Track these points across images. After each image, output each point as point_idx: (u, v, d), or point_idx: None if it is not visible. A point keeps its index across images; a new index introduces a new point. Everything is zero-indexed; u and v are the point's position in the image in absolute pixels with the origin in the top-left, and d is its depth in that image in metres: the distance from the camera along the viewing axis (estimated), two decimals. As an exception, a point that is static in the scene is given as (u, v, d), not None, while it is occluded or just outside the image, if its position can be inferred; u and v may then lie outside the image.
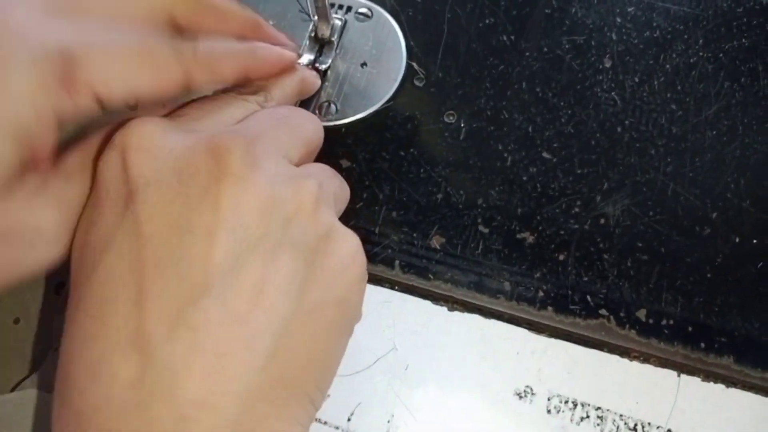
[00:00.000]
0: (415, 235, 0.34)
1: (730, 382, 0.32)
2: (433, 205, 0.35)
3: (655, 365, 0.32)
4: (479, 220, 0.35)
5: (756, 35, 0.40)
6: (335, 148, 0.36)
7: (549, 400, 0.31)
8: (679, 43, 0.39)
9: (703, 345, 0.32)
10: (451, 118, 0.37)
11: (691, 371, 0.32)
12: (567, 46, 0.39)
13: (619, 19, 0.40)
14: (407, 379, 0.31)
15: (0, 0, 0.23)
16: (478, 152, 0.36)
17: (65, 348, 0.23)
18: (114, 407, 0.21)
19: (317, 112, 0.37)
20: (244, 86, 0.30)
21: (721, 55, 0.39)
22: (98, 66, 0.23)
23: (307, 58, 0.38)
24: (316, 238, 0.24)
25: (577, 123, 0.37)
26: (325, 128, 0.31)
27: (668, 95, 0.38)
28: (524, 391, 0.31)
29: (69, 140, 0.25)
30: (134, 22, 0.25)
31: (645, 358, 0.32)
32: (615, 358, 0.32)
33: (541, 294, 0.33)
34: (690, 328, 0.32)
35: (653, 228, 0.34)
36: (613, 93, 0.38)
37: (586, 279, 0.33)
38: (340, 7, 0.40)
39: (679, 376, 0.32)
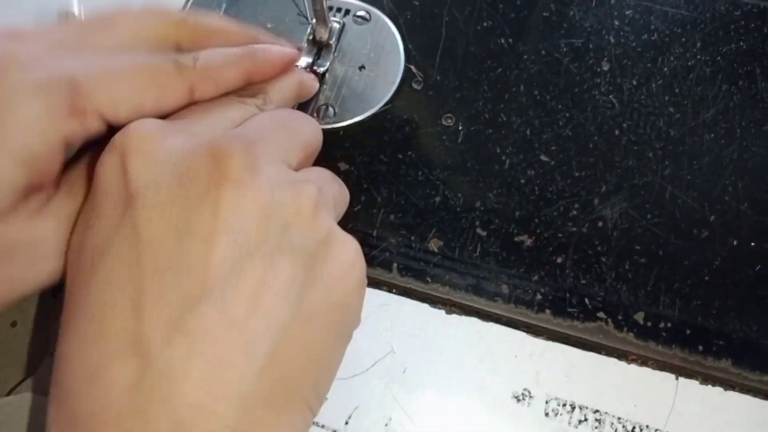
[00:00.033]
0: (413, 238, 0.34)
1: (729, 385, 0.32)
2: (431, 208, 0.35)
3: (653, 368, 0.32)
4: (477, 223, 0.35)
5: (753, 38, 0.40)
6: (333, 151, 0.36)
7: (547, 403, 0.31)
8: (676, 46, 0.39)
9: (701, 348, 0.32)
10: (449, 121, 0.37)
11: (689, 374, 0.32)
12: (565, 49, 0.39)
13: (617, 22, 0.40)
14: (405, 382, 0.31)
15: (12, 37, 0.25)
16: (475, 155, 0.36)
17: (62, 352, 0.22)
18: (112, 412, 0.21)
19: (315, 115, 0.37)
20: (242, 89, 0.30)
21: (718, 58, 0.39)
22: (104, 90, 0.24)
23: (305, 61, 0.38)
24: (315, 243, 0.24)
25: (575, 126, 0.37)
26: (323, 131, 0.31)
27: (666, 98, 0.38)
28: (522, 394, 0.31)
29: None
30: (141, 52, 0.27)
31: (643, 361, 0.32)
32: (613, 361, 0.32)
33: (539, 297, 0.33)
34: (688, 331, 0.32)
35: (651, 231, 0.34)
36: (611, 96, 0.38)
37: (584, 282, 0.33)
38: (338, 10, 0.40)
39: (677, 379, 0.32)
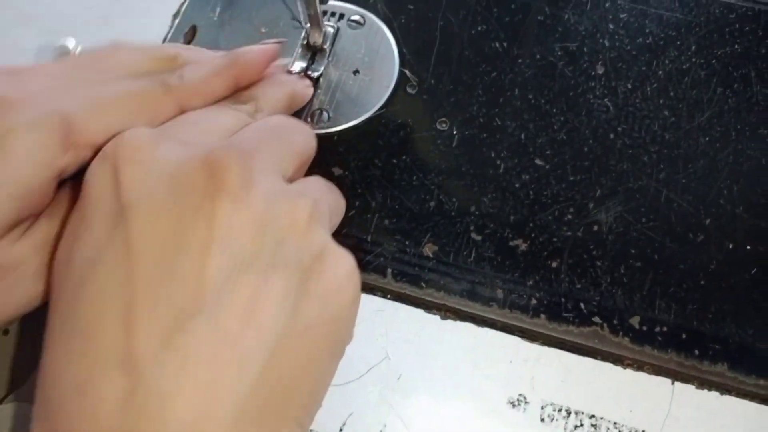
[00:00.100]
0: (407, 243, 0.34)
1: (725, 389, 0.31)
2: (425, 213, 0.35)
3: (649, 373, 0.32)
4: (472, 228, 0.34)
5: (748, 41, 0.40)
6: (327, 156, 0.36)
7: (542, 408, 0.31)
8: (671, 50, 0.39)
9: (697, 352, 0.32)
10: (444, 125, 0.37)
11: (685, 378, 0.32)
12: (559, 53, 0.39)
13: (611, 26, 0.40)
14: (400, 388, 0.31)
15: (8, 74, 0.25)
16: (470, 159, 0.36)
17: (47, 367, 0.22)
18: (100, 430, 0.20)
19: (310, 119, 0.37)
20: (233, 96, 0.30)
21: (713, 61, 0.39)
22: (96, 121, 0.24)
23: (299, 65, 0.37)
24: (310, 257, 0.24)
25: (569, 130, 0.37)
26: (318, 136, 0.31)
27: (661, 101, 0.38)
28: (517, 399, 0.31)
29: None
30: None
31: (639, 366, 0.32)
32: (608, 365, 0.32)
33: (534, 302, 0.33)
34: (684, 336, 0.32)
35: (646, 235, 0.34)
36: (605, 99, 0.38)
37: (579, 286, 0.33)
38: (333, 14, 0.40)
39: (673, 383, 0.32)
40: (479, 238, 0.34)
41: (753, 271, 0.34)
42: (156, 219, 0.22)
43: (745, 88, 0.38)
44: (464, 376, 0.32)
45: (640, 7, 0.41)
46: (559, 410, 0.31)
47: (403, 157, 0.36)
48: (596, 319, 0.32)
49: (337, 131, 0.37)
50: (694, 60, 0.39)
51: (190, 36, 0.40)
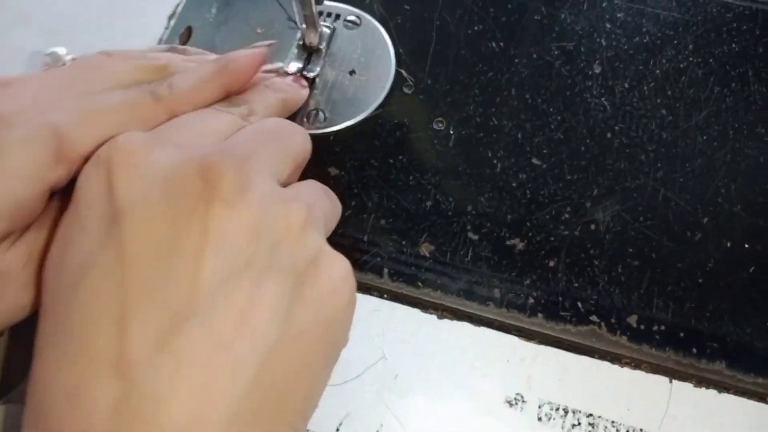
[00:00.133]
0: (404, 242, 0.34)
1: (723, 387, 0.31)
2: (422, 213, 0.35)
3: (647, 371, 0.32)
4: (469, 227, 0.34)
5: (745, 40, 0.40)
6: (324, 156, 0.36)
7: (540, 407, 0.31)
8: (668, 49, 0.39)
9: (694, 350, 0.32)
10: (440, 125, 0.37)
11: (683, 377, 0.31)
12: (556, 53, 0.39)
13: (608, 25, 0.40)
14: (396, 388, 0.31)
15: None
16: (467, 159, 0.36)
17: (39, 372, 0.22)
18: None
19: (306, 119, 0.37)
20: (226, 99, 0.30)
21: (710, 60, 0.39)
22: (87, 134, 0.24)
23: (295, 66, 0.37)
24: (304, 261, 0.23)
25: (566, 129, 0.37)
26: (314, 136, 0.31)
27: (658, 100, 0.38)
28: (515, 398, 0.31)
29: None
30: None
31: (636, 365, 0.32)
32: (606, 364, 0.32)
33: (531, 301, 0.33)
34: (681, 334, 0.32)
35: (644, 233, 0.34)
36: (602, 99, 0.38)
37: (576, 285, 0.33)
38: (329, 14, 0.40)
39: (670, 382, 0.31)
40: (476, 237, 0.34)
41: (751, 270, 0.33)
42: (150, 223, 0.22)
43: (743, 86, 0.38)
44: (461, 376, 0.31)
45: (637, 7, 0.41)
46: (557, 409, 0.31)
47: (400, 157, 0.36)
48: (594, 317, 0.32)
49: (333, 131, 0.37)
50: (691, 59, 0.39)
51: (186, 37, 0.40)
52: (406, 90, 0.38)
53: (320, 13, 0.39)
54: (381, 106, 0.38)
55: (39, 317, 0.23)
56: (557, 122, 0.37)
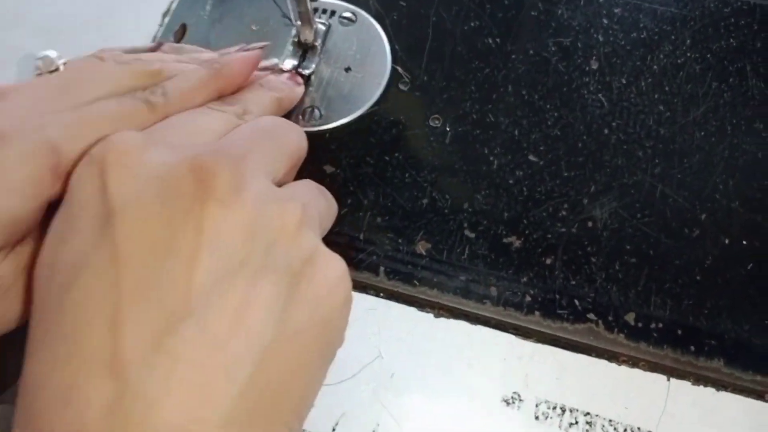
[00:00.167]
0: (400, 240, 0.34)
1: (721, 385, 0.31)
2: (418, 210, 0.35)
3: (645, 369, 0.31)
4: (465, 225, 0.34)
5: (743, 35, 0.39)
6: (319, 154, 0.36)
7: (537, 406, 0.31)
8: (666, 44, 0.39)
9: (692, 348, 0.32)
10: (437, 122, 0.37)
11: (680, 375, 0.31)
12: (553, 49, 0.39)
13: (605, 21, 0.40)
14: (393, 387, 0.31)
15: None
16: (463, 156, 0.36)
17: (30, 373, 0.21)
18: None
19: (301, 117, 0.37)
20: (221, 99, 0.30)
21: (708, 55, 0.39)
22: (84, 150, 0.24)
23: (290, 63, 0.37)
24: (299, 261, 0.23)
25: (563, 125, 0.37)
26: (309, 134, 0.31)
27: (656, 96, 0.38)
28: (512, 397, 0.31)
29: None
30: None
31: (634, 363, 0.32)
32: (603, 362, 0.32)
33: (528, 299, 0.33)
34: (679, 332, 0.32)
35: (641, 230, 0.34)
36: (600, 95, 0.38)
37: (573, 283, 0.33)
38: (324, 11, 0.40)
39: (668, 380, 0.31)
40: (473, 235, 0.34)
41: (749, 266, 0.33)
42: (144, 222, 0.22)
43: (741, 82, 0.38)
44: (458, 375, 0.31)
45: (634, 2, 0.40)
46: (554, 408, 0.31)
47: (396, 155, 0.36)
48: (591, 315, 0.32)
49: (328, 129, 0.37)
50: (689, 54, 0.39)
51: (180, 34, 0.39)
52: (402, 87, 0.38)
53: (315, 10, 0.39)
54: (377, 103, 0.37)
55: (30, 317, 0.22)
56: (554, 119, 0.37)
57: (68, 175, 0.24)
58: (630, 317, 0.32)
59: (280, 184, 0.26)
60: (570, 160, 0.36)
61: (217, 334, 0.21)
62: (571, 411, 0.30)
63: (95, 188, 0.23)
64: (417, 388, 0.31)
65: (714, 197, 0.35)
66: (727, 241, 0.34)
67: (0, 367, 0.27)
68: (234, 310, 0.21)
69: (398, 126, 0.37)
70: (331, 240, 0.26)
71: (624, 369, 0.31)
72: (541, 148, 0.36)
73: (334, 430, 0.30)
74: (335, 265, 0.25)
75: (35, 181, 0.23)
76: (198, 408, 0.20)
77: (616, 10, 0.40)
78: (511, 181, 0.35)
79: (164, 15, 0.41)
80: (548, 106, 0.37)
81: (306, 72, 0.37)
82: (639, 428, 0.30)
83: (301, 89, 0.36)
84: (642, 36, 0.39)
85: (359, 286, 0.33)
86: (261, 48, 0.33)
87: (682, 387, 0.31)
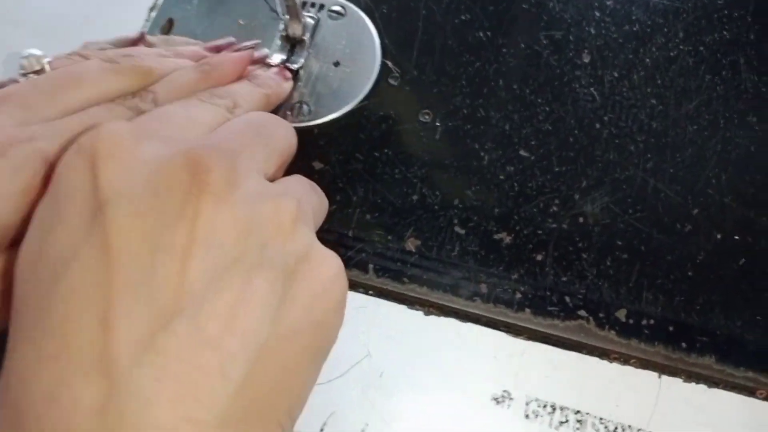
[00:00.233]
0: (389, 237, 0.34)
1: (713, 382, 0.31)
2: (408, 207, 0.34)
3: (636, 366, 0.31)
4: (455, 221, 0.34)
5: (737, 28, 0.39)
6: (308, 150, 0.35)
7: (527, 404, 0.30)
8: (658, 37, 0.39)
9: (684, 345, 0.31)
10: (427, 117, 0.36)
11: (672, 372, 0.31)
12: (545, 42, 0.39)
13: (597, 13, 0.39)
14: (382, 386, 0.31)
15: None
16: (454, 152, 0.36)
17: (17, 371, 0.21)
18: None
19: (290, 112, 0.36)
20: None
21: (701, 48, 0.38)
22: None
23: (278, 57, 0.37)
24: (294, 258, 0.23)
25: (555, 120, 0.36)
26: (298, 129, 0.31)
27: (648, 90, 0.37)
28: (502, 395, 0.31)
29: None
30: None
31: (625, 360, 0.31)
32: (594, 359, 0.31)
33: (518, 296, 0.32)
34: (671, 328, 0.32)
35: (633, 226, 0.34)
36: (591, 89, 0.37)
37: (564, 279, 0.33)
38: (312, 5, 0.39)
39: (660, 377, 0.31)
40: (463, 231, 0.34)
41: (741, 262, 0.33)
42: (136, 217, 0.21)
43: (734, 75, 0.38)
44: (448, 373, 0.31)
45: (626, -6, 0.40)
46: (544, 406, 0.30)
47: (386, 150, 0.36)
48: (582, 312, 0.32)
49: (317, 124, 0.36)
50: (681, 47, 0.38)
51: (167, 29, 0.39)
52: (391, 81, 0.38)
53: (303, 4, 0.39)
54: (366, 98, 0.37)
55: (12, 312, 0.22)
56: (545, 113, 0.36)
57: None
58: (621, 314, 0.32)
59: (270, 181, 0.26)
60: (561, 155, 0.35)
61: (211, 332, 0.20)
62: (561, 409, 0.30)
63: (85, 179, 0.22)
64: (406, 387, 0.31)
65: (706, 192, 0.34)
66: (719, 237, 0.34)
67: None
68: (228, 307, 0.21)
69: (388, 121, 0.36)
70: (320, 237, 0.25)
71: (615, 366, 0.31)
72: (533, 143, 0.36)
73: (322, 430, 0.30)
74: (331, 262, 0.24)
75: (27, 192, 0.23)
76: (191, 408, 0.20)
77: (608, 3, 0.40)
78: (501, 177, 0.35)
79: (150, 9, 0.40)
80: (539, 101, 0.37)
81: (294, 67, 0.37)
82: (630, 426, 0.30)
83: (289, 85, 0.36)
84: (634, 29, 0.39)
85: (348, 284, 0.33)
86: (252, 47, 0.33)
87: (674, 384, 0.31)
